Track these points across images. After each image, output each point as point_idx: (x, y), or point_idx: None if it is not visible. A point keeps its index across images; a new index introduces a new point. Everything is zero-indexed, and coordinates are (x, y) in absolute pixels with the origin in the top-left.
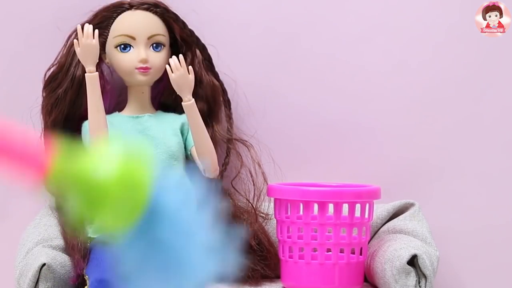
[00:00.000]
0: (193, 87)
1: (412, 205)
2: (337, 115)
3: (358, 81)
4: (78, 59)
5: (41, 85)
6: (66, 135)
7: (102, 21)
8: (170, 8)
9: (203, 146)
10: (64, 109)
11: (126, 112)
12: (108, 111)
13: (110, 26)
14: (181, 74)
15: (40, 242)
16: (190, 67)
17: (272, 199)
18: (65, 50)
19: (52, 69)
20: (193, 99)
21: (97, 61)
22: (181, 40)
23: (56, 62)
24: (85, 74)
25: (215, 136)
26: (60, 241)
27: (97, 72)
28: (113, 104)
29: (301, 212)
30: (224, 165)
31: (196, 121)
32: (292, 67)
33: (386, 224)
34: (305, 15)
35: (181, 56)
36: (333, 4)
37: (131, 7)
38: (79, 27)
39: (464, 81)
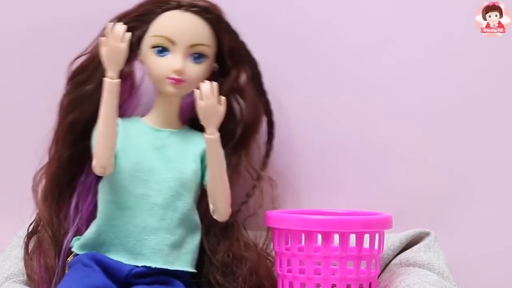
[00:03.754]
0: (221, 120)
1: (427, 234)
2: (343, 135)
3: (365, 100)
4: None
5: (62, 76)
6: (82, 141)
7: (144, 14)
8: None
9: (217, 188)
10: (89, 109)
11: (147, 120)
12: (133, 113)
13: (151, 22)
14: (211, 104)
15: (10, 277)
16: (222, 97)
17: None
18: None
19: (82, 59)
20: (218, 134)
21: (122, 67)
22: (230, 53)
23: (88, 51)
24: (104, 79)
25: (239, 167)
26: None
27: (118, 80)
28: (139, 106)
29: (302, 243)
30: (242, 203)
31: (217, 158)
32: (295, 87)
33: (398, 256)
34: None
35: (215, 83)
36: (341, 16)
37: (179, 6)
38: (109, 26)
39: (482, 103)
